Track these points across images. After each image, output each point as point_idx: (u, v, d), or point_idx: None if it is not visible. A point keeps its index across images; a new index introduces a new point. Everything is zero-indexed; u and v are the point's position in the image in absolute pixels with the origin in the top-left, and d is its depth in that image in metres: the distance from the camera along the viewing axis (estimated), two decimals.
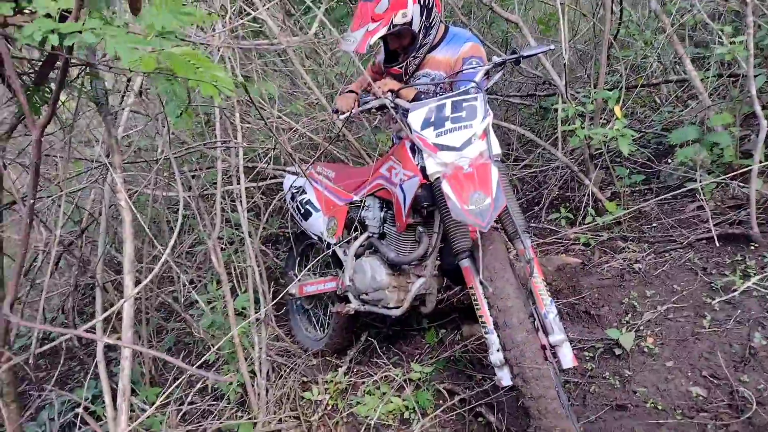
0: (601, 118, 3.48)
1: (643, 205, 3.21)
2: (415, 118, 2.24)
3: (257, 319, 2.51)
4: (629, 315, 2.50)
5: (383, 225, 2.59)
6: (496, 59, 2.36)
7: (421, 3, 2.31)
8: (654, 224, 3.22)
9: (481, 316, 2.00)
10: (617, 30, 4.02)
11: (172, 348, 3.40)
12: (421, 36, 2.39)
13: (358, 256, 2.66)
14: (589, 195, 3.41)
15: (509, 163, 4.11)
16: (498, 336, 1.90)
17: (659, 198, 3.15)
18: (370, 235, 2.62)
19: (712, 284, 2.49)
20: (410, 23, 2.32)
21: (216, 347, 2.14)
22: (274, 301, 2.63)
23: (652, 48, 4.24)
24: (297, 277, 3.14)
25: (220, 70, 1.05)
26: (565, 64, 3.01)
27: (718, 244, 2.72)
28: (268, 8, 3.32)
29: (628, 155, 3.32)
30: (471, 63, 2.39)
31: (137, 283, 1.72)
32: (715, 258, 2.71)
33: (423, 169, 2.20)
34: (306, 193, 2.91)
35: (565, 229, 3.39)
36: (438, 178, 2.10)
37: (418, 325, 3.05)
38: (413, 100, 2.40)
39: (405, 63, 2.48)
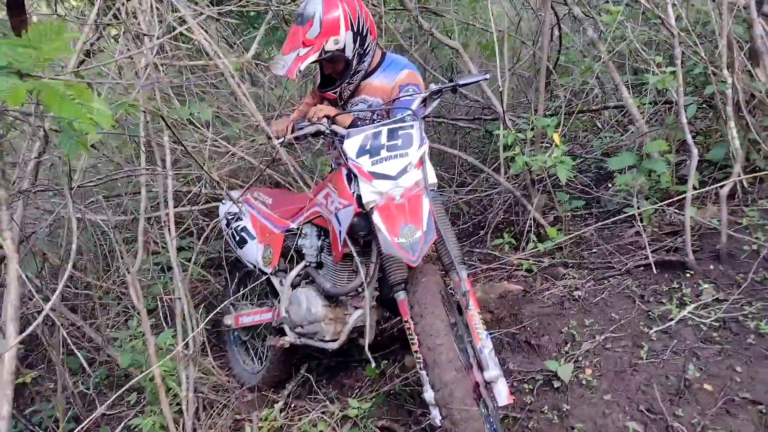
0: (542, 144, 3.50)
1: (582, 231, 3.22)
2: (351, 145, 2.18)
3: (185, 355, 2.36)
4: (568, 345, 2.47)
5: (320, 254, 2.50)
6: (432, 87, 2.34)
7: (355, 30, 2.26)
8: (594, 250, 3.23)
9: (415, 351, 1.93)
10: (557, 57, 4.09)
11: (101, 384, 3.17)
12: (354, 63, 2.34)
13: (294, 286, 2.56)
14: (531, 220, 3.41)
15: (454, 188, 4.09)
16: (427, 374, 1.84)
17: (599, 224, 3.17)
18: (307, 264, 2.52)
19: (650, 313, 2.50)
20: (343, 50, 2.27)
21: (126, 387, 1.98)
22: (198, 335, 2.49)
23: (591, 74, 4.35)
24: (233, 306, 3.01)
25: (101, 102, 0.95)
26: (501, 92, 3.01)
27: (655, 271, 2.74)
28: (203, 29, 3.22)
29: (567, 181, 3.35)
30: (408, 90, 2.35)
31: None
32: (652, 285, 2.72)
33: (359, 198, 2.14)
34: (241, 219, 2.80)
35: (508, 255, 3.37)
36: (373, 206, 2.04)
37: (360, 355, 2.95)
38: (350, 126, 2.34)
39: (339, 89, 2.42)
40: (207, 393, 2.80)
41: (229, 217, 2.84)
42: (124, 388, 1.98)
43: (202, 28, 3.08)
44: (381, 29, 3.28)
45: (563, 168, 3.06)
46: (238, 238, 2.77)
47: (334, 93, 2.44)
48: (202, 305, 3.51)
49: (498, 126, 4.15)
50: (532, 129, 3.28)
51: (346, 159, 2.17)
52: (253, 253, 2.71)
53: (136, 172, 2.54)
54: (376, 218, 1.91)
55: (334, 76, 2.42)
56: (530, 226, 3.40)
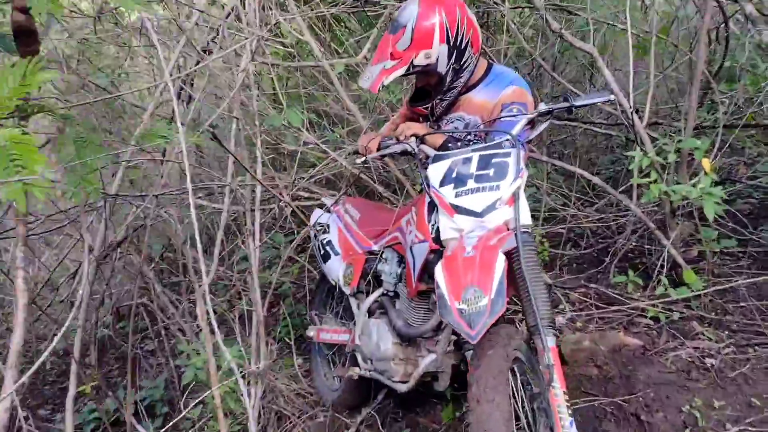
0: (688, 170, 2.93)
1: (728, 285, 2.65)
2: (435, 171, 1.91)
3: (247, 374, 2.27)
4: (688, 430, 2.01)
5: (398, 283, 2.27)
6: (542, 107, 1.98)
7: (451, 43, 1.95)
8: (741, 304, 2.66)
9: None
10: (722, 62, 3.41)
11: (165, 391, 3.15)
12: (449, 79, 2.04)
13: (371, 312, 2.36)
14: (665, 257, 2.88)
15: (573, 206, 3.59)
16: None
17: (750, 280, 2.58)
18: (384, 292, 2.30)
19: None
20: (435, 65, 1.98)
21: (188, 409, 1.92)
22: (266, 354, 2.39)
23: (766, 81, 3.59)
24: (319, 317, 2.90)
25: (42, 160, 0.80)
26: (632, 109, 2.52)
27: None
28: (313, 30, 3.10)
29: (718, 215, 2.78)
30: (511, 110, 2.01)
31: None
32: None
33: (439, 230, 1.87)
34: (328, 232, 2.65)
35: (631, 296, 2.89)
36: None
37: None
38: (441, 147, 2.07)
39: (431, 105, 2.13)
40: (283, 404, 2.73)
41: (318, 228, 2.70)
42: (182, 414, 1.92)
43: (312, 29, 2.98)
44: (502, 30, 2.92)
45: (710, 203, 2.53)
46: (323, 251, 2.62)
47: (425, 108, 2.16)
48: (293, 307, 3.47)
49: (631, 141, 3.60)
50: (676, 151, 2.74)
51: (429, 186, 1.91)
52: (336, 269, 2.54)
53: (225, 182, 2.48)
54: (438, 273, 1.62)
55: (428, 89, 2.14)
56: (664, 264, 2.88)
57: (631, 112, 2.54)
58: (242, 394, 2.23)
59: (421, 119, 2.27)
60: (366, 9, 3.30)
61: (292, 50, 2.88)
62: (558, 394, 1.62)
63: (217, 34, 2.78)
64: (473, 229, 1.75)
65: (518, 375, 1.70)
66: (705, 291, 2.62)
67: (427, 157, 2.03)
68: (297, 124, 2.50)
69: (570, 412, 1.62)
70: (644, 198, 2.72)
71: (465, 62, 2.02)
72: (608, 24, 3.06)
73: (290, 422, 2.59)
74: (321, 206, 2.86)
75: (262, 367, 2.35)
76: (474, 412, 1.52)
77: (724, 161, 3.82)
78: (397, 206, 3.10)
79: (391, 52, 1.96)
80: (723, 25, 3.16)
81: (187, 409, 2.01)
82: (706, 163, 2.60)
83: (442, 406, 2.59)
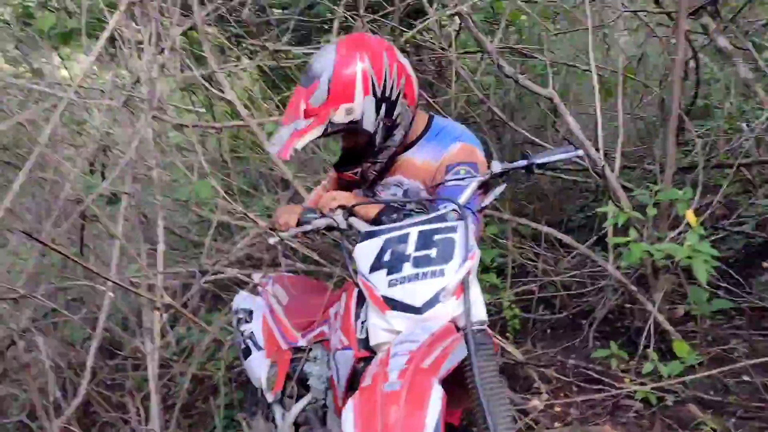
0: (669, 223, 2.58)
1: (726, 369, 2.24)
2: (363, 253, 1.50)
3: None
4: None
5: (329, 390, 1.81)
6: (496, 166, 1.60)
7: (378, 95, 1.57)
8: (743, 379, 2.27)
9: None
10: (693, 99, 3.13)
11: None
12: (378, 138, 1.65)
13: (298, 425, 1.89)
14: (651, 325, 2.48)
15: (543, 263, 3.20)
16: None
17: (755, 361, 2.20)
18: (312, 401, 1.84)
19: None
20: (359, 122, 1.59)
21: None
22: None
23: (741, 119, 3.32)
24: (248, 423, 2.40)
25: None
26: (612, 163, 2.17)
27: None
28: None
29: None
30: (458, 173, 1.61)
31: None
32: None
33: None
34: (251, 321, 2.18)
35: (616, 373, 2.48)
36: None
37: None
38: (375, 220, 1.65)
39: (360, 170, 1.73)
40: None
41: (240, 316, 2.23)
42: None
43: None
44: (452, 77, 2.58)
45: (700, 262, 2.17)
46: (244, 346, 2.15)
47: (354, 174, 1.75)
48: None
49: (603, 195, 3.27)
50: (655, 205, 2.38)
51: (356, 273, 1.49)
52: (258, 369, 2.06)
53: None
54: (347, 415, 1.18)
55: (358, 150, 1.74)
56: (649, 333, 2.48)
57: (603, 167, 2.18)
58: None
59: (353, 186, 1.86)
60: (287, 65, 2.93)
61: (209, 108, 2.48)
62: None
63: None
64: (408, 335, 1.32)
65: None
66: (702, 374, 2.21)
67: (359, 232, 1.62)
68: (205, 196, 2.07)
69: None
70: (624, 260, 2.35)
71: (397, 117, 1.63)
72: (568, 65, 2.75)
73: None
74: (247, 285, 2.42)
75: None
76: None
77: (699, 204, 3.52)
78: (331, 280, 2.66)
79: (304, 109, 1.57)
80: (693, 59, 2.87)
81: None
82: (691, 217, 2.25)
83: None
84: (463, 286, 1.37)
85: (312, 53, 2.15)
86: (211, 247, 2.35)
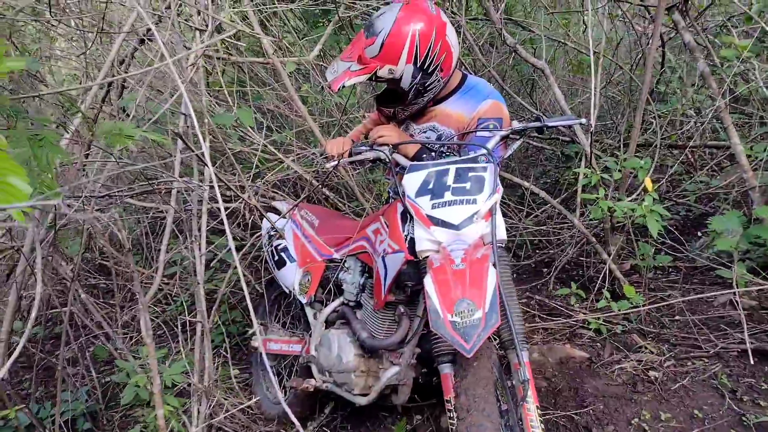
0: (627, 189, 3.07)
1: (667, 303, 2.78)
2: (411, 181, 1.86)
3: (197, 389, 2.12)
4: None
5: (361, 293, 2.20)
6: (516, 125, 1.98)
7: (418, 65, 1.92)
8: (677, 318, 2.80)
9: None
10: (655, 84, 3.61)
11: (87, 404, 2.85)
12: (410, 96, 2.01)
13: (329, 323, 2.28)
14: (606, 271, 2.99)
15: (522, 218, 3.69)
16: None
17: (686, 298, 2.72)
18: (345, 302, 2.23)
19: (744, 417, 2.07)
20: (398, 80, 1.95)
21: None
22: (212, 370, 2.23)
23: (692, 106, 3.83)
24: (264, 327, 2.76)
25: (19, 172, 0.68)
26: (591, 132, 2.60)
27: (753, 361, 2.30)
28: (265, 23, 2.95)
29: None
30: (487, 126, 1.99)
31: None
32: (747, 378, 2.28)
33: (412, 241, 1.82)
34: (284, 238, 2.53)
35: (574, 308, 2.98)
36: (428, 257, 1.73)
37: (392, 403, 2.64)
38: (414, 157, 2.02)
39: (394, 110, 2.10)
40: (223, 421, 2.56)
41: (272, 233, 2.57)
42: None
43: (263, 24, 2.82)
44: (459, 37, 2.93)
45: (653, 220, 2.64)
46: (277, 258, 2.50)
47: (390, 111, 2.13)
48: (232, 317, 3.28)
49: (575, 149, 3.73)
50: (620, 170, 2.85)
51: (404, 196, 1.85)
52: (291, 277, 2.43)
53: (169, 182, 2.28)
54: (429, 283, 1.58)
55: (397, 93, 2.09)
56: (604, 278, 2.99)
57: (591, 133, 2.60)
58: (184, 413, 2.08)
59: (389, 120, 2.21)
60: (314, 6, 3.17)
61: (239, 45, 2.71)
62: (531, 409, 1.62)
63: (160, 21, 2.59)
64: (450, 243, 1.71)
65: None
66: (647, 307, 2.72)
67: (397, 164, 1.98)
68: (249, 124, 2.36)
69: (543, 428, 1.62)
70: (593, 214, 2.80)
71: (430, 85, 1.99)
72: (559, 42, 3.14)
73: None
74: (272, 210, 2.73)
75: (207, 382, 2.19)
76: (464, 421, 1.48)
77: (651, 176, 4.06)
78: (345, 212, 3.03)
79: (360, 55, 1.90)
80: (660, 49, 3.33)
81: None
82: (649, 183, 2.72)
83: (392, 419, 2.55)
84: (491, 213, 1.77)
85: None
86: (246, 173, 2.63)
